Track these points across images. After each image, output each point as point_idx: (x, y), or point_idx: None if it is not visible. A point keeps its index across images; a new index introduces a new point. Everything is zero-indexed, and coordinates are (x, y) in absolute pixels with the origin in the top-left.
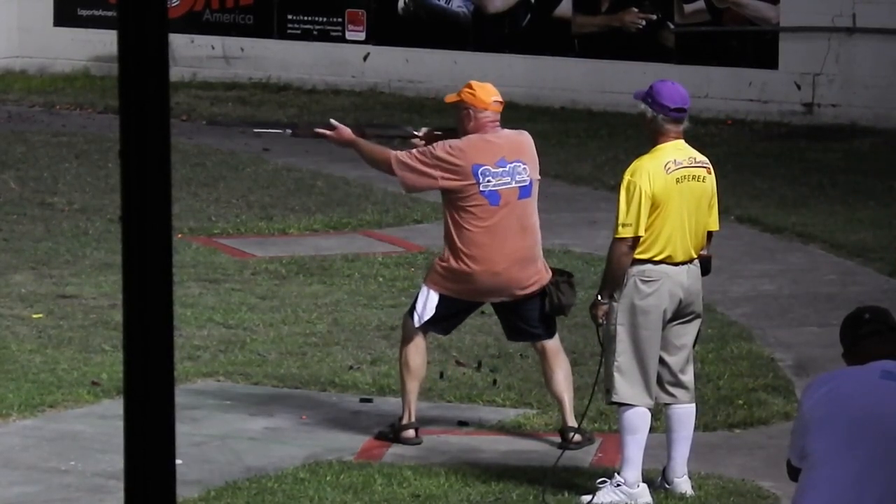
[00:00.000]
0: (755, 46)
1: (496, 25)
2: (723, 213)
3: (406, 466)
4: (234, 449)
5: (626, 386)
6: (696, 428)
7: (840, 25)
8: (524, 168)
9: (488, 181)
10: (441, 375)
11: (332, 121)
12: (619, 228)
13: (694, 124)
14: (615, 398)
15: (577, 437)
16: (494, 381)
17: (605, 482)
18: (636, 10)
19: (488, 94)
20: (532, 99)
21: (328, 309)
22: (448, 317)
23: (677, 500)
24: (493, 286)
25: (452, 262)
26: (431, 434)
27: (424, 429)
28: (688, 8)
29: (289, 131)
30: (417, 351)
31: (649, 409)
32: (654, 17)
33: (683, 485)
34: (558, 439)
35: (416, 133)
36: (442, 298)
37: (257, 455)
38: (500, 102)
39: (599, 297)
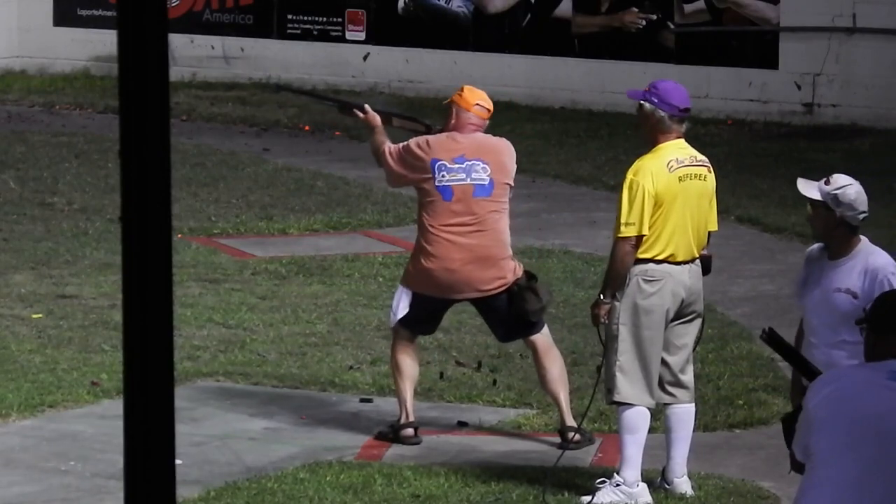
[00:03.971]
0: (755, 46)
1: (496, 25)
2: (723, 213)
3: (406, 466)
4: (234, 449)
5: (628, 385)
6: (696, 428)
7: (840, 25)
8: (483, 167)
9: (443, 176)
10: (441, 375)
11: (366, 105)
12: (623, 227)
13: (694, 124)
14: (616, 397)
15: (577, 437)
16: (494, 381)
17: (604, 482)
18: (636, 10)
19: (474, 97)
20: (532, 99)
21: (328, 309)
22: (425, 316)
23: (677, 500)
24: (450, 283)
25: (415, 260)
26: (431, 434)
27: (424, 429)
28: (688, 8)
29: (332, 104)
30: (405, 351)
31: (650, 410)
32: (654, 17)
33: (683, 485)
34: (558, 439)
35: (426, 124)
36: (415, 296)
37: (257, 455)
38: (486, 109)
39: (602, 297)
